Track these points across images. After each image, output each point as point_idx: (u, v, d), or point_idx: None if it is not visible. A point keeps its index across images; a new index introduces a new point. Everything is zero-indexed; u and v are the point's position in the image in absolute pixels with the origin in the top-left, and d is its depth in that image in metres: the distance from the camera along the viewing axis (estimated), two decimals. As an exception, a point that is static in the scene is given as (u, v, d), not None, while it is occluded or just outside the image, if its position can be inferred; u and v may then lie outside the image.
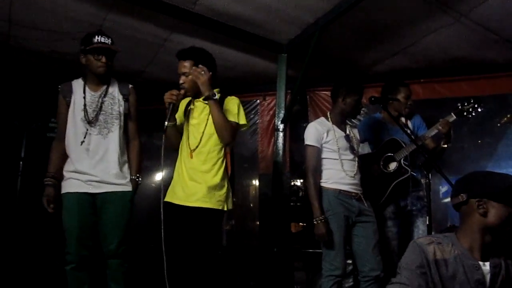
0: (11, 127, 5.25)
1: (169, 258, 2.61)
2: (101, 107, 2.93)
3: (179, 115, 2.96)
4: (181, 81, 2.83)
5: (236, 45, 4.23)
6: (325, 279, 3.01)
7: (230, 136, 2.82)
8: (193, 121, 2.89)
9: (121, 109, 2.99)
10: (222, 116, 2.77)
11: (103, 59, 2.89)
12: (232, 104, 2.88)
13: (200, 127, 2.86)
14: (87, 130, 2.89)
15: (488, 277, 1.78)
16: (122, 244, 2.89)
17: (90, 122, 2.90)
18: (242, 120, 2.88)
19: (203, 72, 2.76)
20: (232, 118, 2.84)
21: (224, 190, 2.83)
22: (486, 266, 1.79)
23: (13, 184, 5.18)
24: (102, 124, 2.93)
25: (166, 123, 2.75)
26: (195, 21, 3.79)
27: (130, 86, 3.07)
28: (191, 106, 2.93)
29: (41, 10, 3.72)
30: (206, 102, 2.81)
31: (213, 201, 2.78)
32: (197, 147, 2.83)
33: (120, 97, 3.01)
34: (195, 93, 2.88)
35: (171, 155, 2.98)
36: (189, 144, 2.85)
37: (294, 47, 4.22)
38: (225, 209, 2.82)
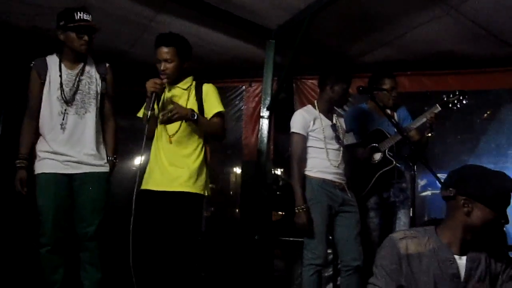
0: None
1: (146, 244, 2.61)
2: (78, 86, 2.84)
3: None
4: (162, 68, 2.76)
5: (224, 29, 4.15)
6: (306, 267, 3.00)
7: (224, 132, 2.89)
8: (171, 107, 2.81)
9: (98, 88, 2.91)
10: (211, 124, 2.81)
11: (85, 37, 2.79)
12: (213, 93, 2.87)
13: None
14: (64, 109, 2.80)
15: (463, 271, 1.78)
16: (100, 226, 2.83)
17: (67, 101, 2.81)
18: (223, 107, 2.88)
19: (174, 110, 2.65)
20: (218, 108, 2.83)
21: (204, 175, 2.83)
22: (462, 260, 1.80)
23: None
24: (79, 104, 2.84)
25: (148, 112, 2.68)
26: (182, 2, 3.71)
27: (107, 65, 2.99)
28: (167, 93, 2.87)
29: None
30: (185, 88, 2.84)
31: (196, 186, 2.76)
32: (176, 131, 2.79)
33: (98, 76, 2.92)
34: (173, 80, 2.83)
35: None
36: (167, 130, 2.81)
37: (282, 33, 4.17)
38: (206, 194, 2.82)
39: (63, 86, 2.81)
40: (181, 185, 2.73)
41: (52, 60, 2.87)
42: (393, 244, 1.82)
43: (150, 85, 2.68)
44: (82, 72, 2.87)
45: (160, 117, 2.67)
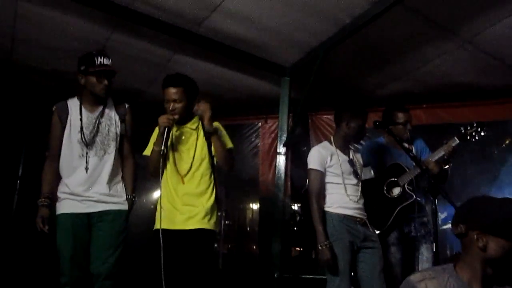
0: (9, 146, 5.20)
1: (168, 283, 2.61)
2: (98, 128, 2.87)
3: None
4: (171, 108, 2.83)
5: (239, 67, 4.24)
6: (329, 305, 2.93)
7: (233, 163, 2.97)
8: (181, 147, 2.90)
9: (118, 130, 2.94)
10: (226, 148, 2.90)
11: (105, 82, 2.83)
12: (221, 131, 2.95)
13: (190, 152, 2.89)
14: (85, 152, 2.84)
15: None
16: (117, 265, 2.80)
17: (88, 144, 2.84)
18: (231, 143, 3.00)
19: (209, 107, 2.84)
20: (228, 145, 2.94)
21: (216, 212, 2.90)
22: None
23: (10, 203, 5.11)
24: (98, 146, 2.87)
25: (162, 147, 2.74)
26: (199, 43, 3.81)
27: (127, 105, 3.03)
28: (176, 133, 2.93)
29: (44, 27, 3.74)
30: (194, 128, 2.92)
31: (211, 223, 2.83)
32: (188, 172, 2.85)
33: (117, 117, 2.96)
34: (180, 120, 2.89)
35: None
36: (177, 170, 2.86)
37: (297, 70, 4.23)
38: (217, 230, 2.94)
39: (84, 129, 2.85)
40: (197, 223, 2.78)
41: (73, 103, 2.92)
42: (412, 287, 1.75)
43: (163, 120, 2.76)
44: (102, 114, 2.91)
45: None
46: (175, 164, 2.88)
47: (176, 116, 2.83)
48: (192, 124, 2.93)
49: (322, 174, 3.08)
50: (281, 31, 3.64)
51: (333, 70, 4.18)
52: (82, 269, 2.77)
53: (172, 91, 2.83)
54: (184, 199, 2.82)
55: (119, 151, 2.96)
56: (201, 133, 2.91)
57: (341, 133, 3.19)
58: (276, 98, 4.45)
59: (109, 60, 2.85)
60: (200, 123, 2.92)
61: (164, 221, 2.80)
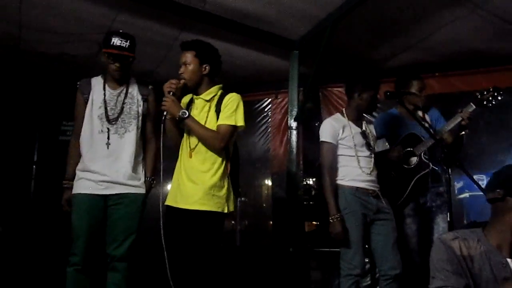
0: (23, 131, 5.25)
1: (170, 263, 2.57)
2: (120, 106, 2.89)
3: None
4: (180, 71, 2.75)
5: (247, 43, 4.19)
6: (344, 278, 2.95)
7: (219, 144, 2.68)
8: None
9: (140, 109, 2.94)
10: (202, 130, 2.69)
11: (117, 64, 2.83)
12: (231, 104, 2.72)
13: None
14: (106, 128, 2.84)
15: None
16: (131, 247, 2.83)
17: (109, 120, 2.85)
18: (240, 122, 2.72)
19: (165, 99, 2.67)
20: (226, 121, 2.69)
21: (224, 191, 2.70)
22: None
23: (27, 188, 5.19)
24: (119, 123, 2.87)
25: (164, 113, 2.67)
26: (205, 20, 3.76)
27: (150, 87, 3.02)
28: (192, 104, 2.85)
29: (50, 12, 3.72)
30: (207, 100, 2.77)
31: (211, 203, 2.64)
32: (196, 145, 2.73)
33: (140, 97, 2.95)
34: (195, 88, 2.79)
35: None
36: (189, 143, 2.76)
37: (305, 44, 4.17)
38: (226, 211, 2.67)
39: (106, 104, 2.87)
40: (196, 203, 2.64)
41: (97, 81, 2.94)
42: (447, 245, 1.76)
43: (166, 85, 2.69)
44: (125, 92, 2.92)
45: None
46: (188, 137, 2.77)
47: (182, 80, 2.72)
48: (206, 95, 2.78)
49: (334, 147, 3.07)
50: (287, 4, 3.57)
51: (342, 42, 4.11)
52: (94, 251, 2.79)
53: (182, 55, 2.77)
54: (189, 174, 2.71)
55: (142, 132, 2.96)
56: (214, 103, 2.76)
57: (354, 105, 3.16)
58: (286, 73, 4.41)
59: (126, 41, 2.81)
60: (219, 94, 2.78)
61: (170, 198, 2.78)
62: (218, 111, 2.73)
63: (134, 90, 2.96)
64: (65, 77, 2.97)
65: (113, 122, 2.85)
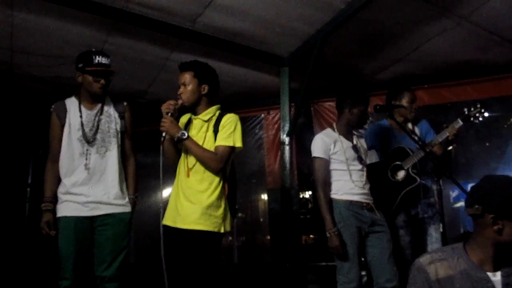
0: (17, 154, 5.26)
1: (169, 282, 2.56)
2: (98, 125, 2.87)
3: None
4: (179, 92, 2.78)
5: (237, 61, 4.24)
6: (340, 292, 2.96)
7: (217, 165, 2.70)
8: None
9: (118, 127, 2.94)
10: (201, 151, 2.71)
11: (102, 81, 2.83)
12: (229, 125, 2.75)
13: None
14: (86, 150, 2.83)
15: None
16: (121, 267, 2.81)
17: (88, 141, 2.83)
18: (238, 143, 2.75)
19: (164, 120, 2.69)
20: (224, 142, 2.72)
21: (221, 210, 2.71)
22: (497, 277, 1.71)
23: (21, 211, 5.17)
24: (99, 143, 2.86)
25: (163, 134, 2.70)
26: (195, 39, 3.81)
27: (125, 103, 3.02)
28: (190, 124, 2.86)
29: (41, 36, 3.75)
30: (206, 120, 2.79)
31: (208, 223, 2.65)
32: (194, 165, 2.74)
33: (116, 114, 2.95)
34: (194, 108, 2.82)
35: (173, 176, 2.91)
36: (187, 163, 2.77)
37: (295, 60, 4.22)
38: (222, 231, 2.69)
39: (84, 126, 2.85)
40: (192, 223, 2.65)
41: (71, 102, 2.92)
42: (421, 271, 1.75)
43: (165, 106, 2.71)
44: (101, 111, 2.91)
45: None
46: (186, 157, 2.79)
47: (180, 101, 2.75)
48: (204, 115, 2.80)
49: (326, 162, 3.09)
50: (276, 21, 3.62)
51: (331, 56, 4.17)
52: (83, 273, 2.77)
53: (181, 76, 2.80)
54: (186, 194, 2.72)
55: (121, 150, 2.96)
56: (212, 124, 2.79)
57: (344, 120, 3.19)
58: (277, 89, 4.45)
59: (107, 59, 2.84)
60: (217, 114, 2.81)
61: (167, 218, 2.77)
62: (216, 131, 2.75)
63: (110, 108, 2.95)
64: (58, 99, 2.97)
65: (92, 142, 2.84)
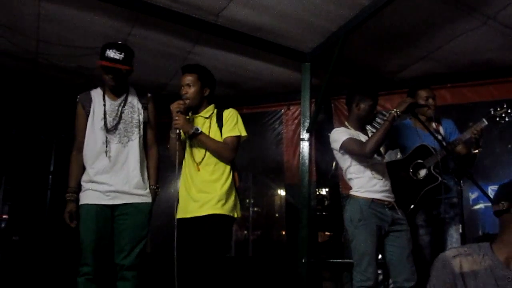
0: (40, 142, 5.35)
1: (183, 272, 2.69)
2: (120, 115, 2.92)
3: None
4: (184, 92, 2.95)
5: (259, 55, 4.24)
6: (356, 290, 2.95)
7: (230, 154, 2.94)
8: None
9: (141, 117, 2.99)
10: (214, 143, 2.91)
11: (110, 76, 2.85)
12: (231, 117, 2.97)
13: None
14: (107, 138, 2.88)
15: None
16: (139, 256, 2.86)
17: (110, 130, 2.88)
18: (243, 132, 2.98)
19: (177, 118, 2.85)
20: (231, 132, 2.94)
21: (232, 198, 2.92)
22: None
23: (43, 198, 5.27)
24: (122, 133, 2.91)
25: (177, 131, 2.87)
26: (218, 33, 3.82)
27: (149, 95, 3.08)
28: (192, 122, 2.99)
29: (67, 26, 3.81)
30: (207, 117, 2.98)
31: (224, 208, 2.85)
32: (203, 159, 2.91)
33: (139, 105, 3.00)
34: (195, 108, 2.99)
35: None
36: (194, 158, 2.94)
37: (317, 56, 4.21)
38: (235, 216, 2.92)
39: (107, 115, 2.91)
40: (210, 208, 2.82)
41: (96, 93, 2.98)
42: (446, 263, 1.75)
43: (175, 106, 2.86)
44: (125, 102, 2.97)
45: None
46: (191, 153, 2.96)
47: (187, 101, 2.92)
48: (205, 113, 3.00)
49: (355, 139, 3.05)
50: (299, 17, 3.61)
51: (354, 54, 4.14)
52: (104, 260, 2.82)
53: (186, 77, 2.98)
54: (199, 186, 2.88)
55: (143, 140, 3.00)
56: (214, 120, 2.98)
57: (354, 116, 3.20)
58: (298, 84, 4.45)
59: (120, 54, 2.82)
60: (215, 112, 3.01)
61: (180, 211, 2.90)
62: (220, 126, 2.97)
63: (133, 99, 3.01)
64: (81, 89, 3.01)
65: (114, 132, 2.89)
